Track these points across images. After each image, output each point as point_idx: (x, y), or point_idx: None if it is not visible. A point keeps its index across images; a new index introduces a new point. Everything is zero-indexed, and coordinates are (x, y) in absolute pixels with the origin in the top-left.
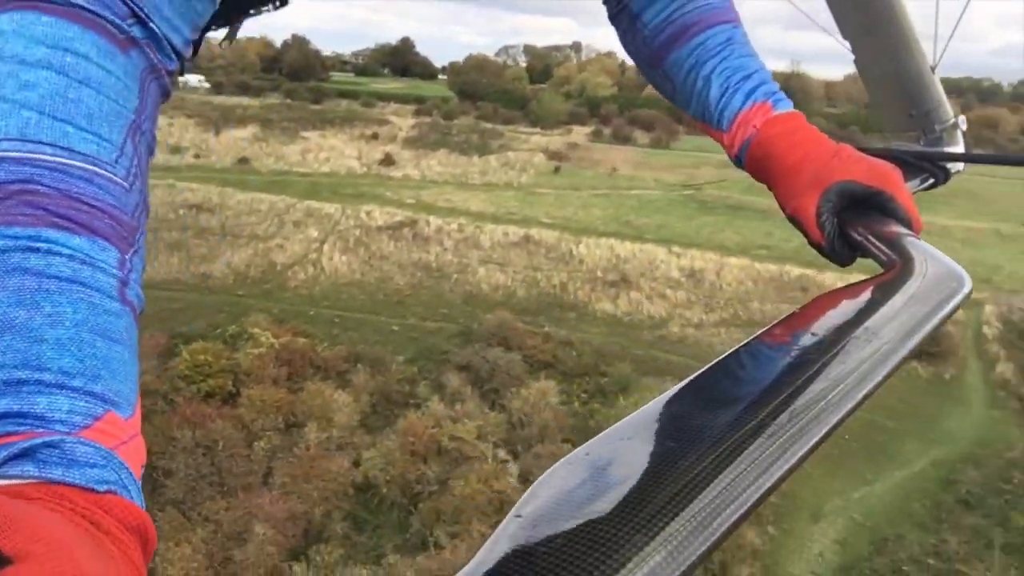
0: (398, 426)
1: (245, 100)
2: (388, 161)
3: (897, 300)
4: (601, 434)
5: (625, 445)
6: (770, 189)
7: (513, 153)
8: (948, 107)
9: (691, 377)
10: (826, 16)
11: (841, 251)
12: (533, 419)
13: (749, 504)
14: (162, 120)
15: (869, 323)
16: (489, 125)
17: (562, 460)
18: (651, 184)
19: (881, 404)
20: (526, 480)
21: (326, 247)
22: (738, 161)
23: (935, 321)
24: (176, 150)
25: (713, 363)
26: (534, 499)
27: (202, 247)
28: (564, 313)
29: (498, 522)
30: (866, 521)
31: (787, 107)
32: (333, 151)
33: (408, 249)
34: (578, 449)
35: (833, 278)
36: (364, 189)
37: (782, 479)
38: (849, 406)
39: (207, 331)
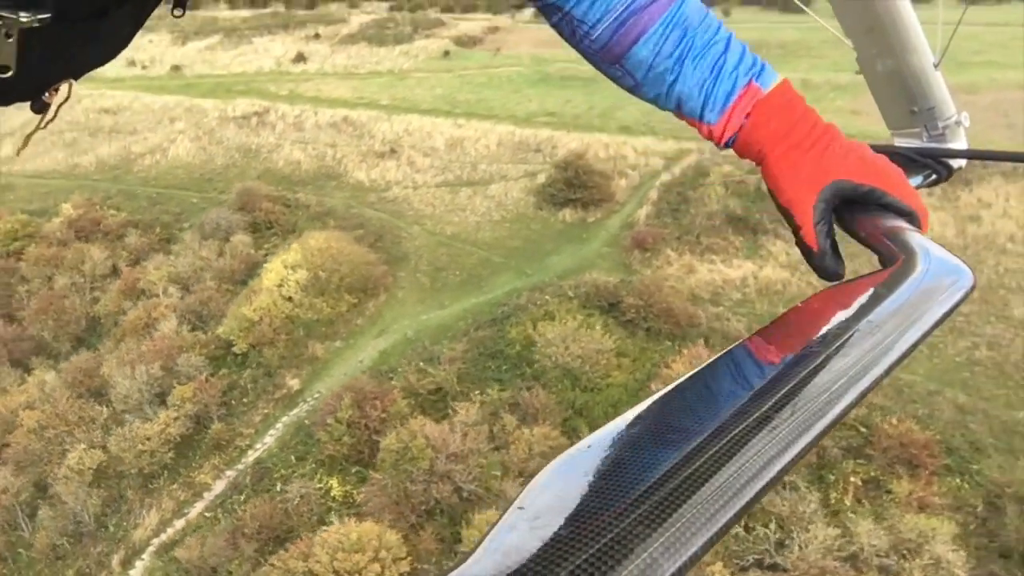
0: (124, 275)
1: (245, 12)
2: (299, 58)
3: (899, 295)
4: (603, 427)
5: (627, 438)
6: (758, 167)
7: (425, 41)
8: (951, 104)
9: (695, 370)
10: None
11: (831, 263)
12: (211, 264)
13: (751, 496)
14: (139, 39)
15: (872, 317)
16: (435, 15)
17: (564, 453)
18: (525, 62)
19: (502, 244)
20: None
21: (180, 138)
22: (726, 146)
23: (937, 315)
24: (131, 63)
25: (717, 356)
26: (536, 491)
27: (86, 143)
28: (327, 182)
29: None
30: (415, 336)
31: (772, 79)
32: (260, 53)
33: (244, 135)
34: (580, 442)
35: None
36: (255, 85)
37: (784, 471)
38: (851, 399)
39: (50, 208)
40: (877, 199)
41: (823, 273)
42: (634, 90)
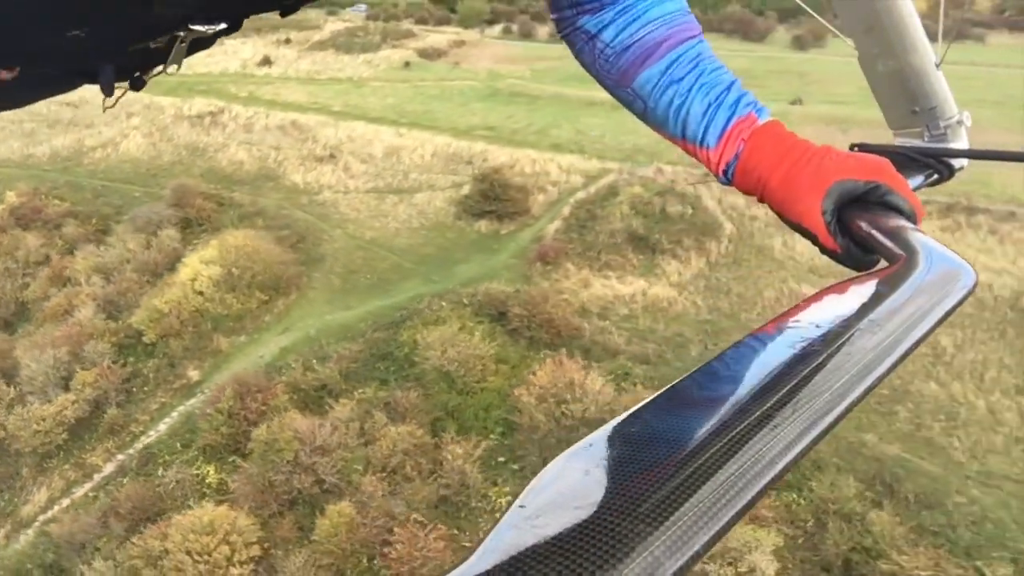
0: (54, 263)
1: None
2: (265, 62)
3: (902, 293)
4: (604, 426)
5: (628, 436)
6: (761, 201)
7: (390, 51)
8: (952, 104)
9: (696, 368)
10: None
11: (857, 254)
12: (136, 256)
13: (752, 495)
14: None
15: (873, 315)
16: (408, 26)
17: (565, 452)
18: (480, 77)
19: (416, 251)
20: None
21: (133, 133)
22: (725, 177)
23: (939, 314)
24: None
25: (719, 354)
26: (537, 490)
27: (43, 134)
28: (265, 183)
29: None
30: (316, 335)
31: (768, 116)
32: (228, 55)
33: (195, 134)
34: (581, 441)
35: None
36: (216, 86)
37: (785, 470)
38: (853, 398)
39: None
40: (880, 196)
41: (857, 268)
42: (644, 115)
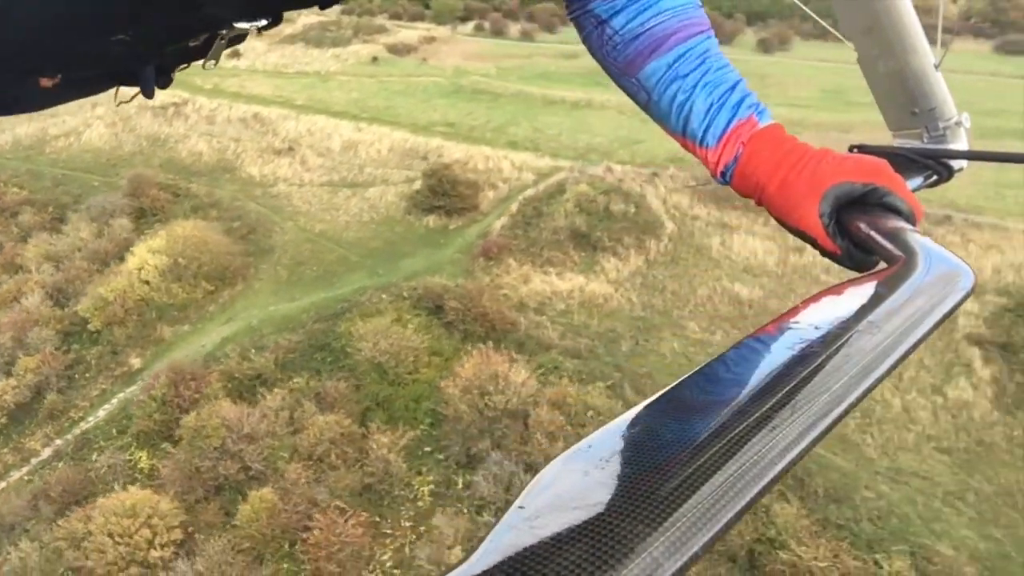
0: (6, 250)
1: None
2: (234, 54)
3: (901, 294)
4: (604, 427)
5: (627, 438)
6: (759, 204)
7: (360, 46)
8: (952, 105)
9: (696, 370)
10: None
11: (857, 256)
12: (87, 245)
13: (751, 496)
14: None
15: (872, 317)
16: (381, 21)
17: (564, 453)
18: (447, 74)
19: (364, 244)
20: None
21: (97, 123)
22: (723, 178)
23: (938, 315)
24: None
25: (718, 355)
26: (536, 491)
27: (8, 122)
28: (222, 175)
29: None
30: (258, 325)
31: (769, 119)
32: None
33: (157, 124)
34: (580, 442)
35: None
36: (182, 77)
37: (784, 471)
38: (852, 399)
39: None
40: (879, 197)
41: (858, 269)
42: (647, 106)
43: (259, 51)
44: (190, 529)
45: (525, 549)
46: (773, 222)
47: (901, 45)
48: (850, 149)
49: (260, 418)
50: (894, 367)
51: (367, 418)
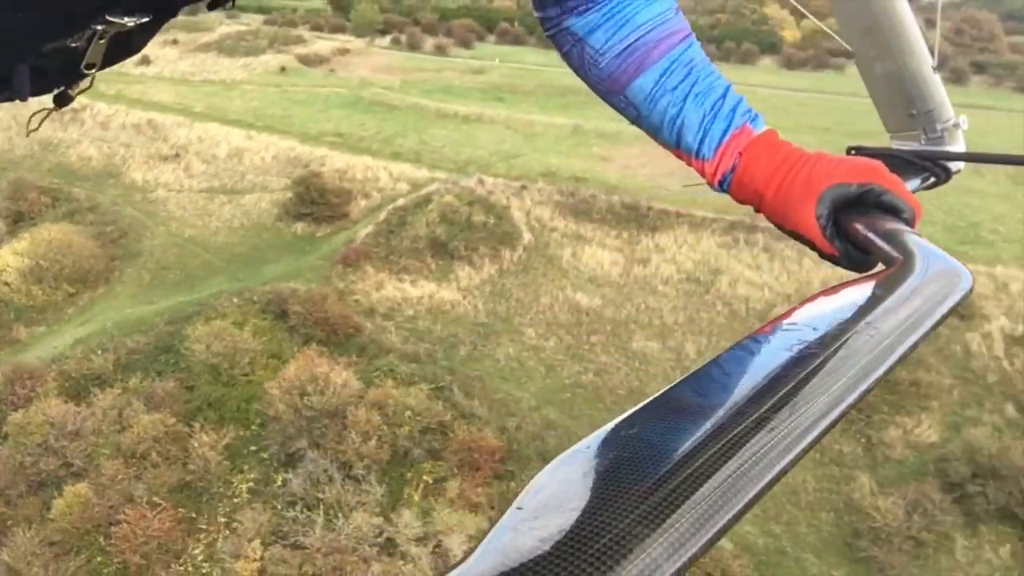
0: None
1: None
2: (144, 61)
3: (898, 296)
4: (602, 428)
5: (626, 439)
6: (758, 211)
7: (271, 56)
8: (949, 107)
9: (694, 371)
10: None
11: (856, 257)
12: None
13: (750, 497)
14: None
15: (870, 318)
16: (299, 32)
17: (563, 454)
18: (351, 85)
19: (230, 250)
20: None
21: None
22: (721, 188)
23: (936, 317)
24: None
25: (716, 357)
26: (535, 492)
27: None
28: (106, 180)
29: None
30: (112, 327)
31: (763, 125)
32: None
33: (52, 129)
34: (579, 443)
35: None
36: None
37: (783, 472)
38: (850, 400)
39: None
40: (875, 197)
41: (857, 270)
42: (637, 121)
43: (170, 59)
44: (9, 522)
45: (524, 549)
46: (625, 235)
47: (899, 47)
48: (847, 151)
49: (88, 416)
50: (892, 368)
51: (198, 418)
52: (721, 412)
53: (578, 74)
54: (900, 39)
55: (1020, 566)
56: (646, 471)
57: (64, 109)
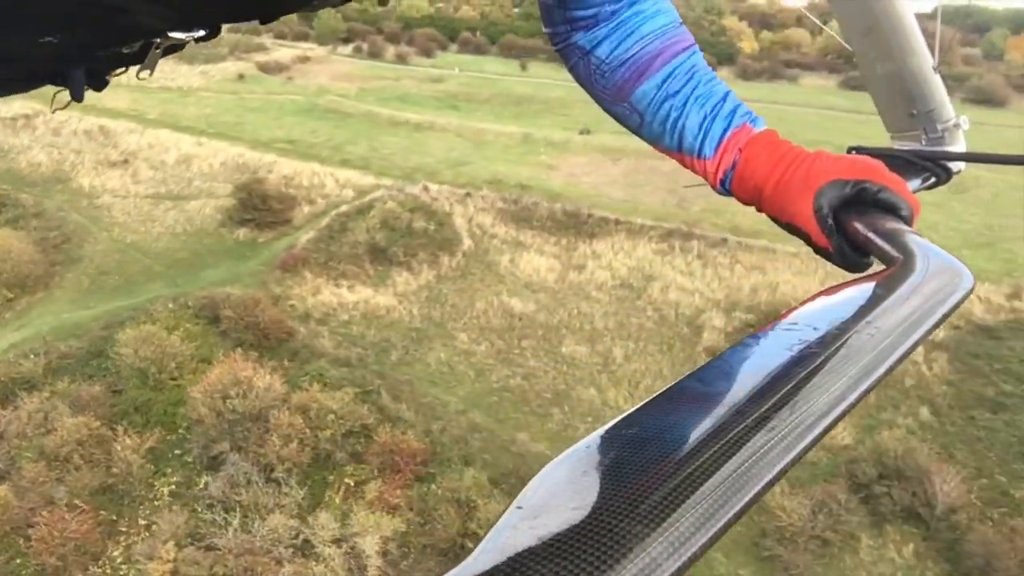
0: None
1: None
2: None
3: (899, 295)
4: (602, 428)
5: (625, 438)
6: (759, 211)
7: (231, 63)
8: (950, 107)
9: (694, 371)
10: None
11: (850, 256)
12: None
13: (750, 496)
14: None
15: (871, 317)
16: (261, 39)
17: (563, 453)
18: (308, 93)
19: (170, 255)
20: None
21: None
22: (723, 187)
23: (936, 317)
24: None
25: (716, 357)
26: (535, 491)
27: None
28: (55, 185)
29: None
30: (48, 332)
31: (762, 125)
32: None
33: (4, 135)
34: (579, 442)
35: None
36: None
37: (783, 471)
38: (851, 400)
39: None
40: (872, 194)
41: (850, 269)
42: (639, 128)
43: None
44: None
45: (524, 549)
46: (564, 241)
47: (900, 47)
48: (848, 150)
49: (13, 420)
50: (893, 368)
51: (122, 421)
52: (722, 411)
53: (584, 87)
54: (900, 39)
55: (922, 565)
56: (646, 470)
57: (17, 115)
